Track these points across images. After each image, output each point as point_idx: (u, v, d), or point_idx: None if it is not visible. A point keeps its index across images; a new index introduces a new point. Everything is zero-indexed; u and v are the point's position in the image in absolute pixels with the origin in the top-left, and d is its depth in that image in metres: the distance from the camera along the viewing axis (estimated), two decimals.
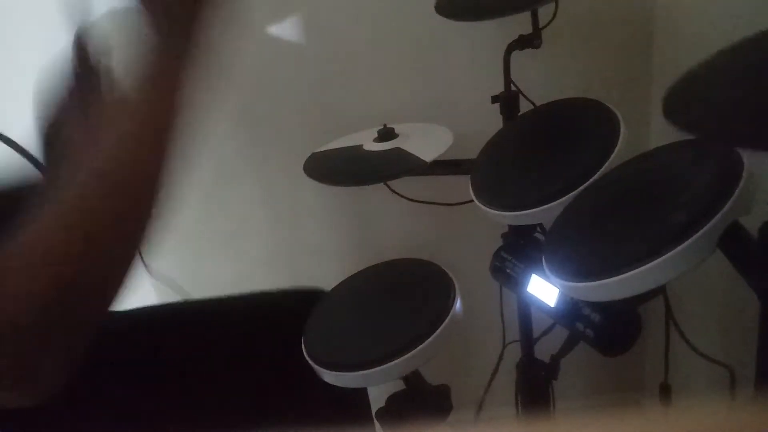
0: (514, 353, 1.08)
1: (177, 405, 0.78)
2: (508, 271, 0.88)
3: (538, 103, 0.94)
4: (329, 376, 0.79)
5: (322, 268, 1.31)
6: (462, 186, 0.89)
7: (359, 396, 0.90)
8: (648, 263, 0.55)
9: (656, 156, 0.72)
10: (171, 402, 0.77)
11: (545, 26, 0.88)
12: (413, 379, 0.88)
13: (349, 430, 0.77)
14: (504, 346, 1.13)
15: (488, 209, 0.80)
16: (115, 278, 0.43)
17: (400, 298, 0.88)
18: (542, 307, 0.79)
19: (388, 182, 1.05)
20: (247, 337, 0.85)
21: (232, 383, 0.81)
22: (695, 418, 0.28)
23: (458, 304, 0.82)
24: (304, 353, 0.83)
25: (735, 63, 0.52)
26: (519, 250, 0.89)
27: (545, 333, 1.00)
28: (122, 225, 0.43)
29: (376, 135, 0.98)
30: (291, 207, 1.26)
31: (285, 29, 1.10)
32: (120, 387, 0.76)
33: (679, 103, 0.50)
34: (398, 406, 0.90)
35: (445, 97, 1.13)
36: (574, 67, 1.11)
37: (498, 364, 1.13)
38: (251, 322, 0.87)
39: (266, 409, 0.81)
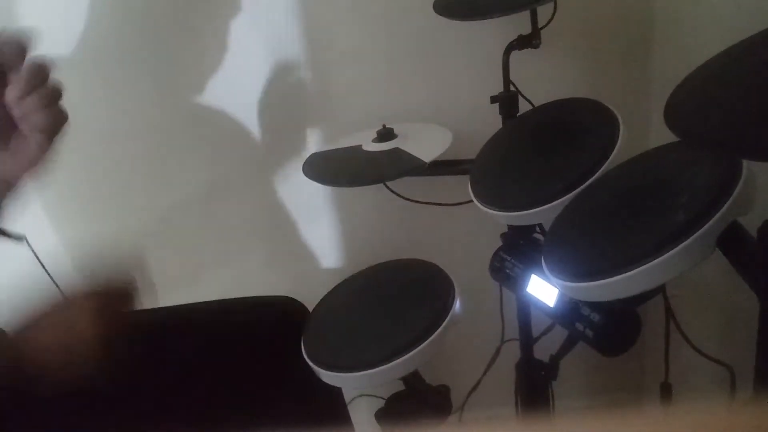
0: (514, 353, 1.08)
1: (159, 407, 0.78)
2: (507, 271, 0.88)
3: (537, 104, 0.94)
4: (328, 377, 0.79)
5: (321, 269, 1.32)
6: (461, 186, 0.89)
7: (334, 396, 0.91)
8: (647, 263, 0.55)
9: (655, 156, 0.72)
10: (152, 403, 0.77)
11: (544, 26, 0.88)
12: (413, 380, 0.88)
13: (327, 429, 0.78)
14: (501, 344, 1.13)
15: (487, 209, 0.80)
16: None
17: (399, 299, 0.88)
18: (542, 308, 0.79)
19: (388, 183, 1.05)
20: (219, 343, 0.85)
21: (205, 389, 0.82)
22: (695, 418, 0.28)
23: (458, 305, 0.82)
24: (304, 354, 0.83)
25: (735, 68, 0.52)
26: (518, 251, 0.89)
27: (544, 333, 1.00)
28: None
29: (375, 135, 0.98)
30: (290, 207, 1.26)
31: (283, 29, 1.10)
32: (110, 390, 0.76)
33: (681, 112, 0.50)
34: (398, 407, 0.90)
35: (444, 97, 1.13)
36: (573, 68, 1.11)
37: (491, 361, 1.13)
38: (221, 329, 0.87)
39: (243, 412, 0.81)
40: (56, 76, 0.56)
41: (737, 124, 0.44)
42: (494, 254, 0.92)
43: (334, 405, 0.92)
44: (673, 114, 0.50)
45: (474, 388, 1.20)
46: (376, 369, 0.75)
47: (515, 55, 0.89)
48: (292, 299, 0.93)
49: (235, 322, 0.88)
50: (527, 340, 1.03)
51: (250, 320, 0.89)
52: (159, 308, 0.87)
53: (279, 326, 0.89)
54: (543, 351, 0.98)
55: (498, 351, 1.12)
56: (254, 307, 0.91)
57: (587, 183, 0.72)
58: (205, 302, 0.89)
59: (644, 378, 1.37)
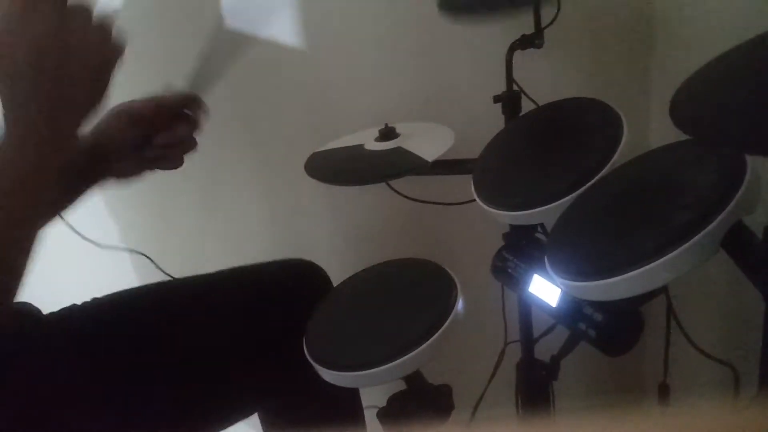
0: (515, 353, 1.08)
1: (157, 392, 0.77)
2: (509, 271, 0.87)
3: (540, 103, 0.94)
4: (330, 376, 0.79)
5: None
6: (464, 186, 0.89)
7: (351, 395, 0.91)
8: (652, 263, 0.55)
9: (659, 155, 0.72)
10: (151, 388, 0.77)
11: (547, 26, 0.88)
12: (414, 379, 0.88)
13: (343, 429, 0.77)
14: (505, 345, 1.13)
15: (490, 209, 0.80)
16: None
17: (401, 298, 0.87)
18: (544, 307, 0.79)
19: (390, 182, 1.05)
20: (238, 308, 0.87)
21: (222, 354, 0.82)
22: (695, 419, 0.28)
23: (460, 304, 0.82)
24: (305, 352, 0.83)
25: (740, 65, 0.52)
26: (521, 250, 0.89)
27: (545, 333, 1.00)
28: None
29: (377, 134, 0.97)
30: (292, 206, 1.26)
31: (285, 29, 1.10)
32: (108, 373, 0.76)
33: (687, 108, 0.50)
34: (399, 406, 0.90)
35: (446, 96, 1.13)
36: (576, 67, 1.11)
37: (497, 365, 1.13)
38: (241, 293, 0.89)
39: (260, 402, 0.81)
40: None
41: (745, 118, 0.44)
42: (496, 254, 0.92)
43: (351, 404, 0.92)
44: (679, 110, 0.49)
45: (481, 398, 1.19)
46: (378, 368, 0.75)
47: (518, 55, 0.89)
48: (311, 263, 0.93)
49: (255, 285, 0.88)
50: (528, 340, 1.03)
51: (271, 285, 0.90)
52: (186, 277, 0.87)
53: (300, 290, 0.89)
54: (544, 351, 0.98)
55: (502, 354, 1.12)
56: (276, 270, 0.91)
57: (590, 183, 0.72)
58: (219, 271, 0.89)
59: (645, 378, 1.37)
